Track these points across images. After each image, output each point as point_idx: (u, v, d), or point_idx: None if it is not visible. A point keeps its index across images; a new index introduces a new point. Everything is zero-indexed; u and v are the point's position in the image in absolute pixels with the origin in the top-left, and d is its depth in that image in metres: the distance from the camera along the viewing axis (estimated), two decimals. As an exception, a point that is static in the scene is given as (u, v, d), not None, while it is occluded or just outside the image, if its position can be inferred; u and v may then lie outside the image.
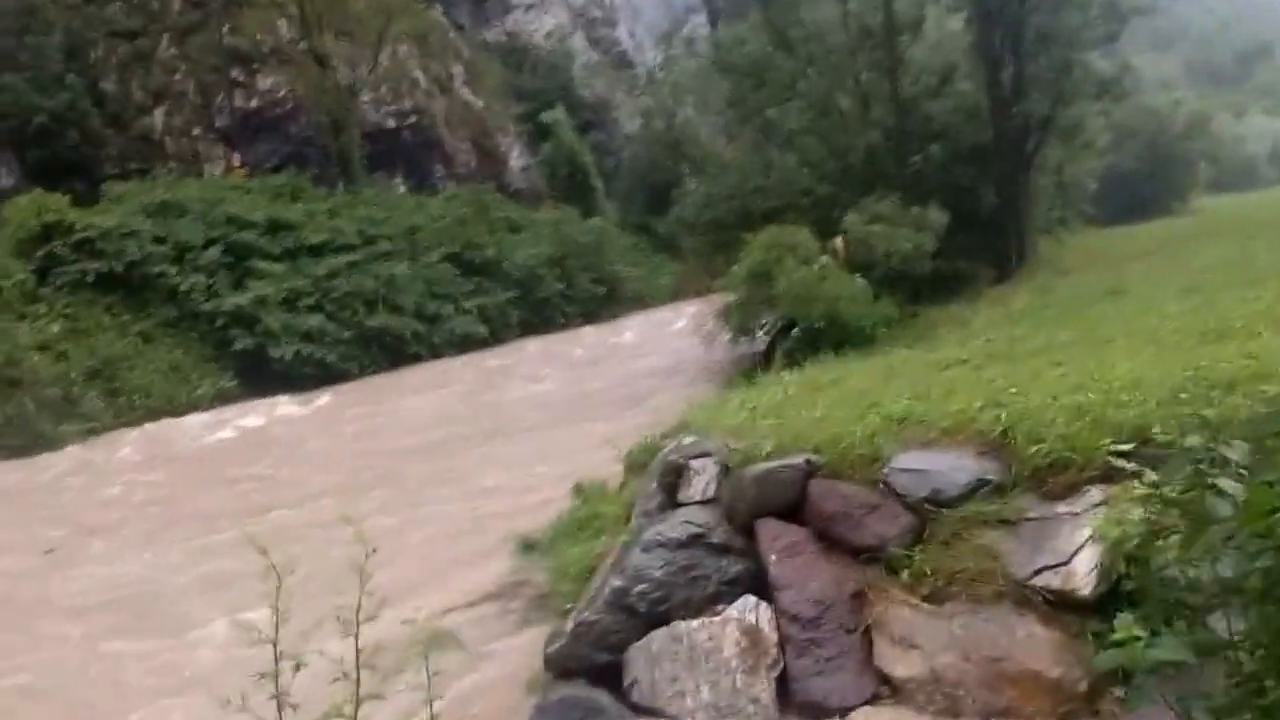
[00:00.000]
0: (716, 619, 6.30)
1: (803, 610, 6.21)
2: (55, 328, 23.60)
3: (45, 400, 21.29)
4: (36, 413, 20.84)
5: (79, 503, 16.42)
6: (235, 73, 32.40)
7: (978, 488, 6.31)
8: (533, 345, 30.64)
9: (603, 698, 6.23)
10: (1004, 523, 6.22)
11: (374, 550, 3.30)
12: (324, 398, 24.53)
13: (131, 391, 23.60)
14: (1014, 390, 7.31)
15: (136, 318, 25.33)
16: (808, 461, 6.79)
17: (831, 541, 6.52)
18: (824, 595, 6.26)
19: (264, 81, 32.59)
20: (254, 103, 31.64)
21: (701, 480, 7.11)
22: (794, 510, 6.72)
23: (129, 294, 25.46)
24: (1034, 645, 5.79)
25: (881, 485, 6.54)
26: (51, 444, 20.59)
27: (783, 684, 6.04)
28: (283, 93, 32.47)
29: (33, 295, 24.13)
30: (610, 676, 6.35)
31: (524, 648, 7.93)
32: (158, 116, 30.84)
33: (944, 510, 6.31)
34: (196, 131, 31.33)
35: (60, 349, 23.18)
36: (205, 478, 17.72)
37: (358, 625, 3.07)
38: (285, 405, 23.70)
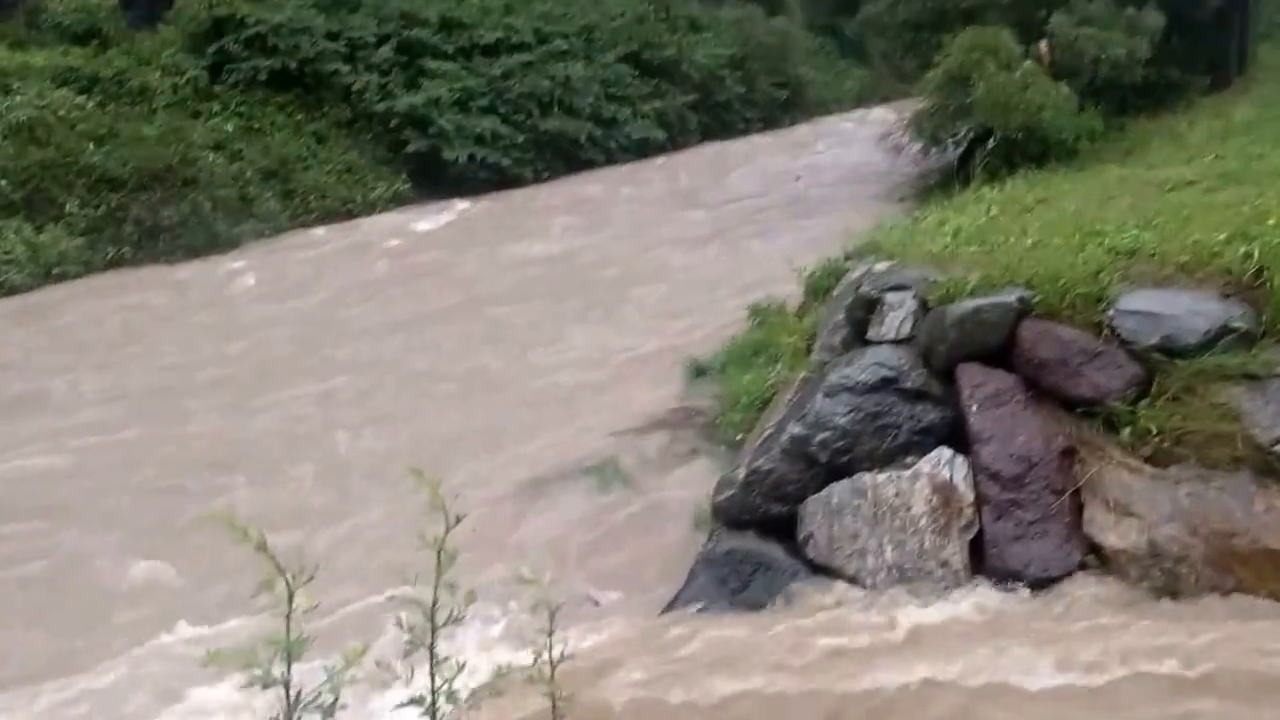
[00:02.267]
0: (906, 472, 5.97)
1: (1005, 467, 5.78)
2: (229, 126, 24.24)
3: (221, 200, 22.01)
4: (212, 212, 21.61)
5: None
6: None
7: (1220, 336, 5.73)
8: (712, 151, 30.19)
9: (775, 551, 6.00)
10: (1249, 378, 5.62)
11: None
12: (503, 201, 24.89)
13: (307, 192, 24.21)
14: (1270, 220, 6.45)
15: (310, 117, 25.77)
16: (1019, 300, 6.23)
17: (1042, 391, 6.02)
18: (1030, 451, 5.81)
19: None
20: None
21: (896, 317, 6.65)
22: (1000, 355, 6.22)
23: (303, 92, 25.84)
24: (1274, 521, 5.23)
25: (1105, 329, 5.95)
26: (228, 244, 21.54)
27: (976, 548, 5.69)
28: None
29: (206, 93, 24.76)
30: (784, 529, 6.10)
31: (690, 480, 7.78)
32: (333, -99, 30.50)
33: (1177, 361, 5.76)
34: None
35: (235, 148, 23.80)
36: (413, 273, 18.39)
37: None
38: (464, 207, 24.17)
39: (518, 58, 28.46)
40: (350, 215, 24.32)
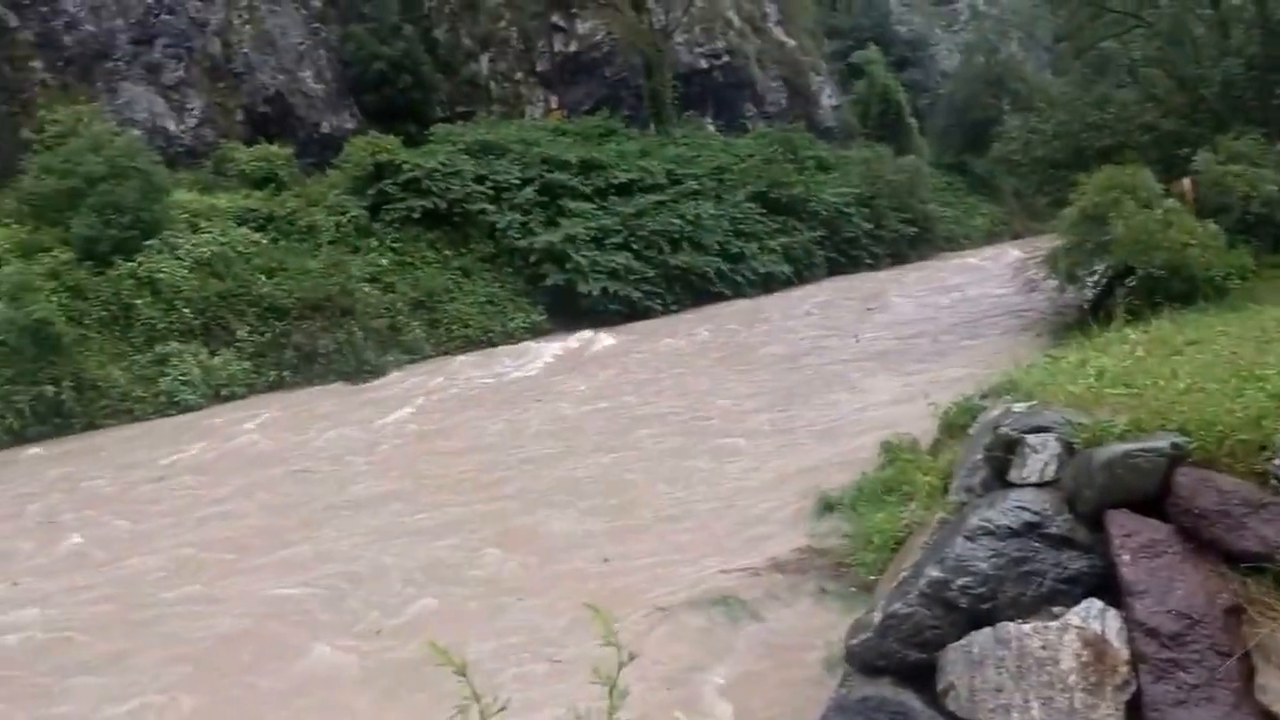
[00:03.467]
0: (1053, 624, 5.28)
1: (1163, 624, 5.08)
2: (384, 261, 25.00)
3: (372, 329, 22.55)
4: (364, 341, 22.12)
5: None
6: (556, 18, 33.15)
7: (1402, 490, 4.97)
8: (838, 286, 29.68)
9: (912, 701, 5.50)
10: None
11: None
12: (627, 335, 24.75)
13: (451, 322, 24.73)
14: None
15: (457, 253, 26.44)
16: (1173, 445, 5.56)
17: (1201, 543, 5.31)
18: (1191, 607, 5.10)
19: (582, 26, 33.14)
20: (572, 47, 32.25)
21: (1039, 459, 6.06)
22: (1152, 502, 5.53)
23: (451, 230, 26.61)
24: None
25: (1271, 479, 5.27)
26: (376, 372, 21.88)
27: (1134, 710, 4.99)
28: (599, 36, 32.92)
29: (365, 230, 25.67)
30: (922, 678, 5.58)
31: (818, 619, 7.28)
32: (483, 62, 32.09)
33: (1355, 515, 5.01)
34: (518, 75, 32.38)
35: (388, 280, 24.51)
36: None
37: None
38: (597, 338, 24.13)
39: (650, 197, 28.88)
40: (490, 344, 24.62)
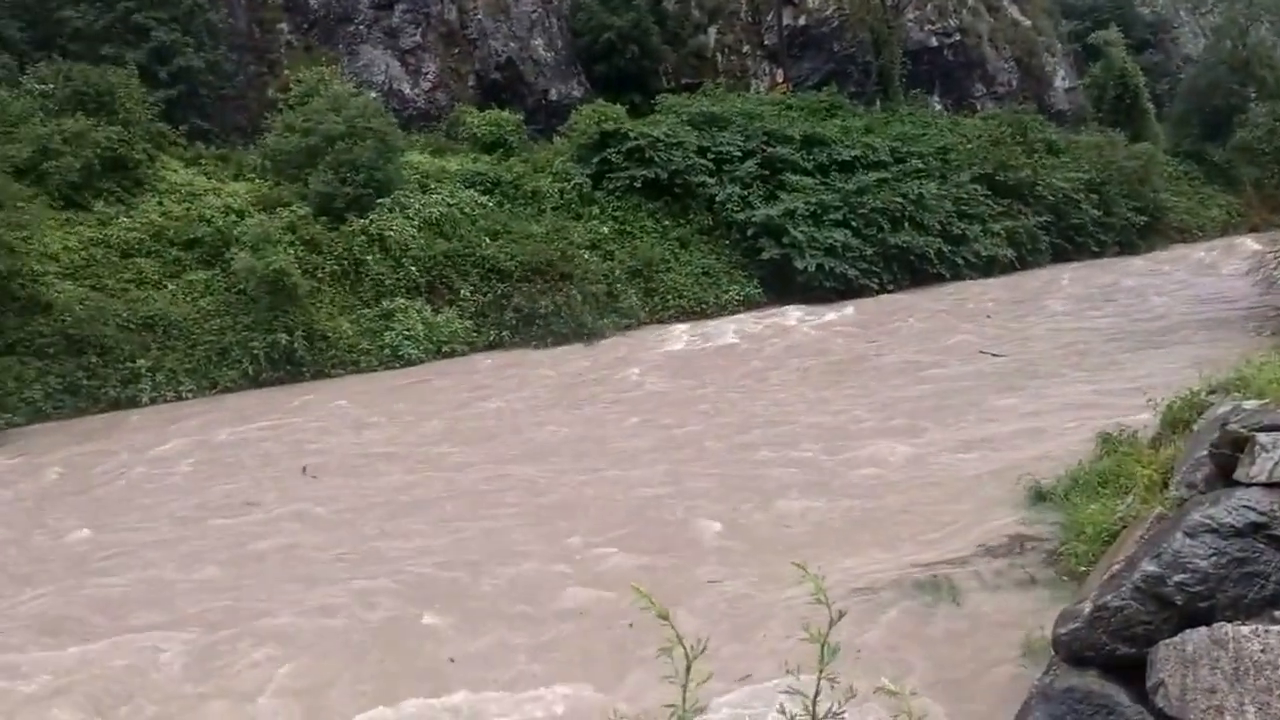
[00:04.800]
0: (1274, 628, 4.86)
1: None
2: (605, 229, 23.49)
3: (590, 295, 21.10)
4: (581, 305, 20.67)
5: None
6: (785, -7, 30.63)
7: None
8: (1064, 273, 26.46)
9: (1120, 696, 5.18)
10: None
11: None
12: (849, 309, 22.55)
13: (666, 291, 22.99)
14: None
15: (676, 223, 24.62)
16: None
17: None
18: None
19: (812, 0, 30.46)
20: (801, 20, 29.71)
21: (1269, 459, 5.48)
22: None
23: (671, 201, 24.78)
24: None
25: None
26: (592, 335, 20.44)
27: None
28: (829, 11, 30.22)
29: (588, 198, 24.20)
30: (1129, 672, 5.24)
31: (1024, 606, 6.90)
32: (711, 34, 30.03)
33: None
34: (745, 49, 30.13)
35: (607, 248, 22.99)
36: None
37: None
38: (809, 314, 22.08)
39: (873, 175, 26.13)
40: (703, 314, 22.77)
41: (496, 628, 7.28)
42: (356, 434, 14.05)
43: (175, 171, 20.82)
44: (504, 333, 20.49)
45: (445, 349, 19.79)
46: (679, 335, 20.96)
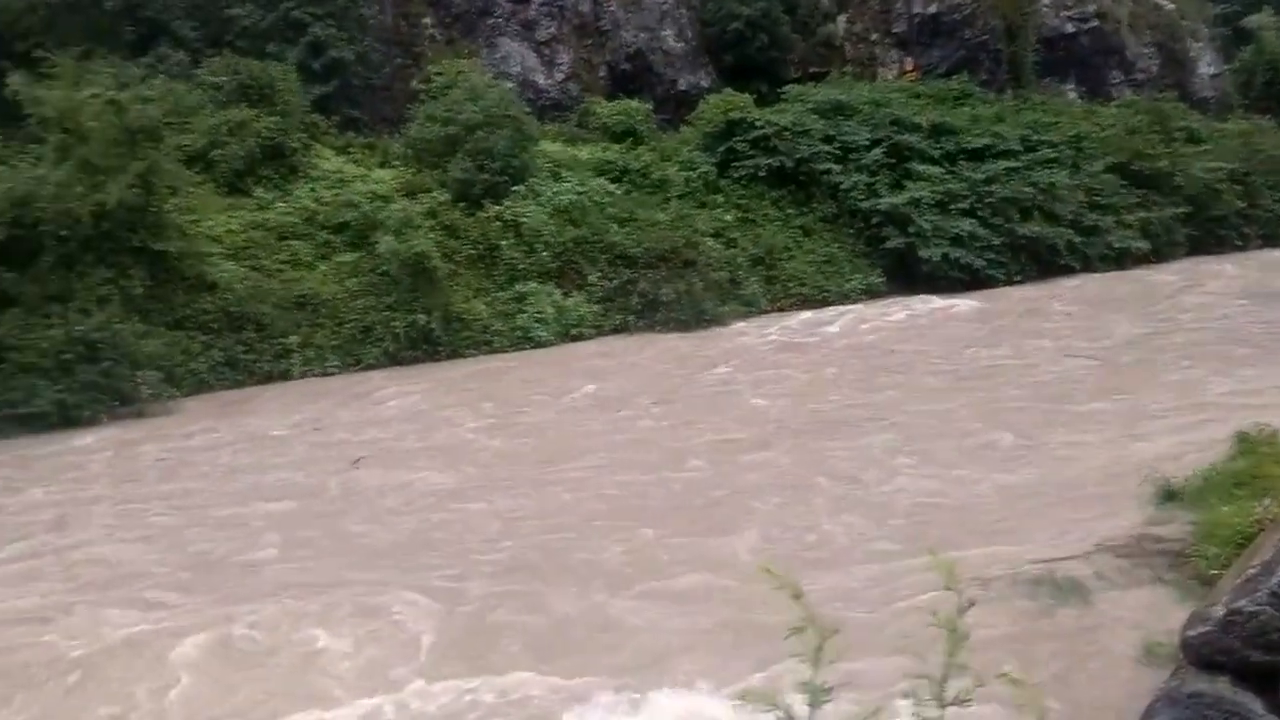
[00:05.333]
0: None
1: None
2: (728, 217, 23.31)
3: (712, 282, 21.04)
4: (704, 292, 20.63)
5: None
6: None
7: None
8: (1203, 266, 24.97)
9: (1252, 704, 4.91)
10: None
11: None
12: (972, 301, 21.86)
13: (787, 280, 22.72)
14: None
15: (799, 212, 24.25)
16: None
17: None
18: None
19: (944, -14, 29.38)
20: (932, 9, 28.64)
21: None
22: None
23: (795, 189, 24.39)
24: None
25: None
26: (713, 322, 20.36)
27: None
28: (962, -2, 29.04)
29: (713, 186, 24.05)
30: (1264, 680, 4.98)
31: (1148, 607, 6.61)
32: (840, 23, 29.27)
33: None
34: (874, 37, 29.26)
35: (730, 236, 22.79)
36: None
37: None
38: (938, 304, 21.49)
39: (1002, 163, 25.09)
40: (825, 303, 22.40)
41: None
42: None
43: (327, 159, 21.65)
44: (629, 317, 20.64)
45: (573, 332, 20.07)
46: (812, 321, 20.67)
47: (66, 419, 14.72)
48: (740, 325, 20.64)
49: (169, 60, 21.61)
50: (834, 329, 20.02)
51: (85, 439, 14.19)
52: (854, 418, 13.00)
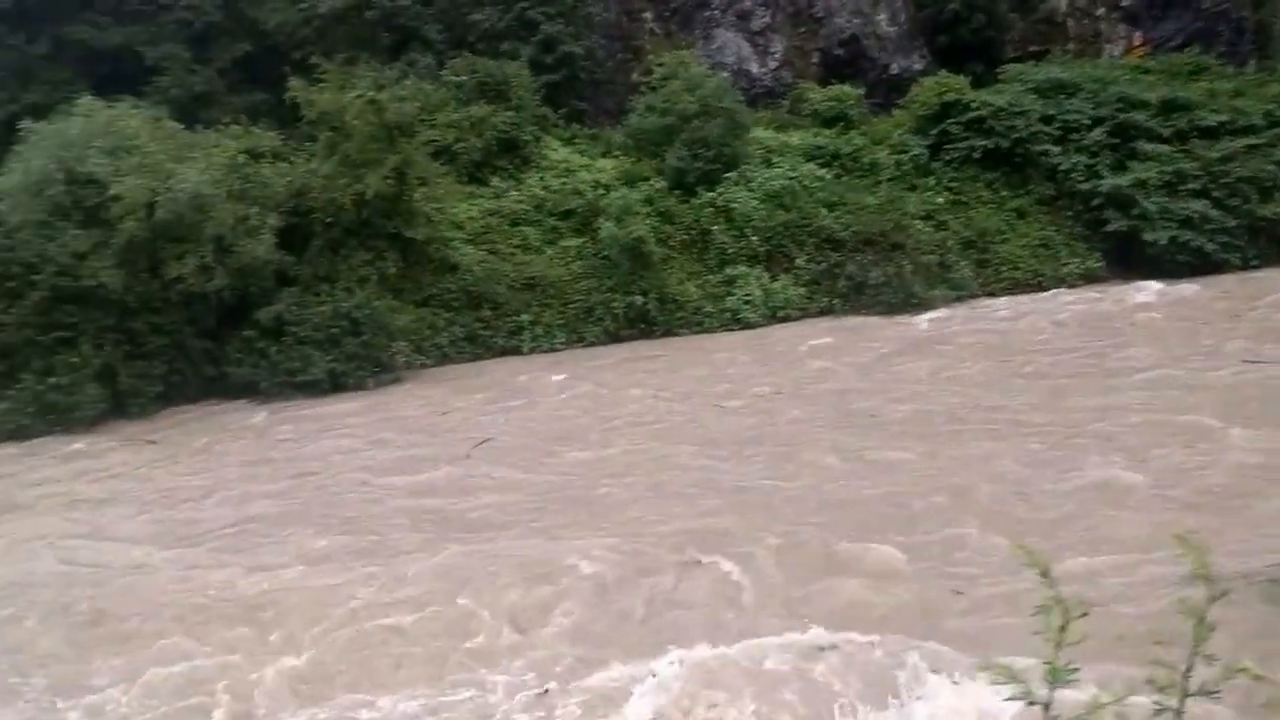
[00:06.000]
0: None
1: None
2: (939, 199, 22.60)
3: (921, 265, 20.51)
4: (912, 275, 20.17)
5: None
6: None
7: None
8: None
9: None
10: None
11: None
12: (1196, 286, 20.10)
13: (999, 263, 21.78)
14: None
15: (1014, 194, 23.15)
16: None
17: None
18: None
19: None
20: (1164, -23, 26.57)
21: None
22: None
23: (1010, 171, 23.28)
24: None
25: None
26: (922, 305, 19.87)
27: None
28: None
29: (925, 169, 23.35)
30: None
31: None
32: (1061, -1, 27.67)
33: None
34: (1099, 11, 27.37)
35: (941, 219, 22.09)
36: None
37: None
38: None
39: (1241, 141, 22.89)
40: (1039, 287, 21.31)
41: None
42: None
43: (555, 150, 22.68)
44: (835, 300, 20.49)
45: (780, 314, 20.16)
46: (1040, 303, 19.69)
47: (336, 385, 16.31)
48: (948, 310, 19.99)
49: (418, 63, 23.28)
50: (1063, 315, 18.78)
51: (356, 402, 15.58)
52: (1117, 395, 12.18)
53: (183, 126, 18.43)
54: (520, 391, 15.40)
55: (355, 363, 16.55)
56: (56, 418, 14.95)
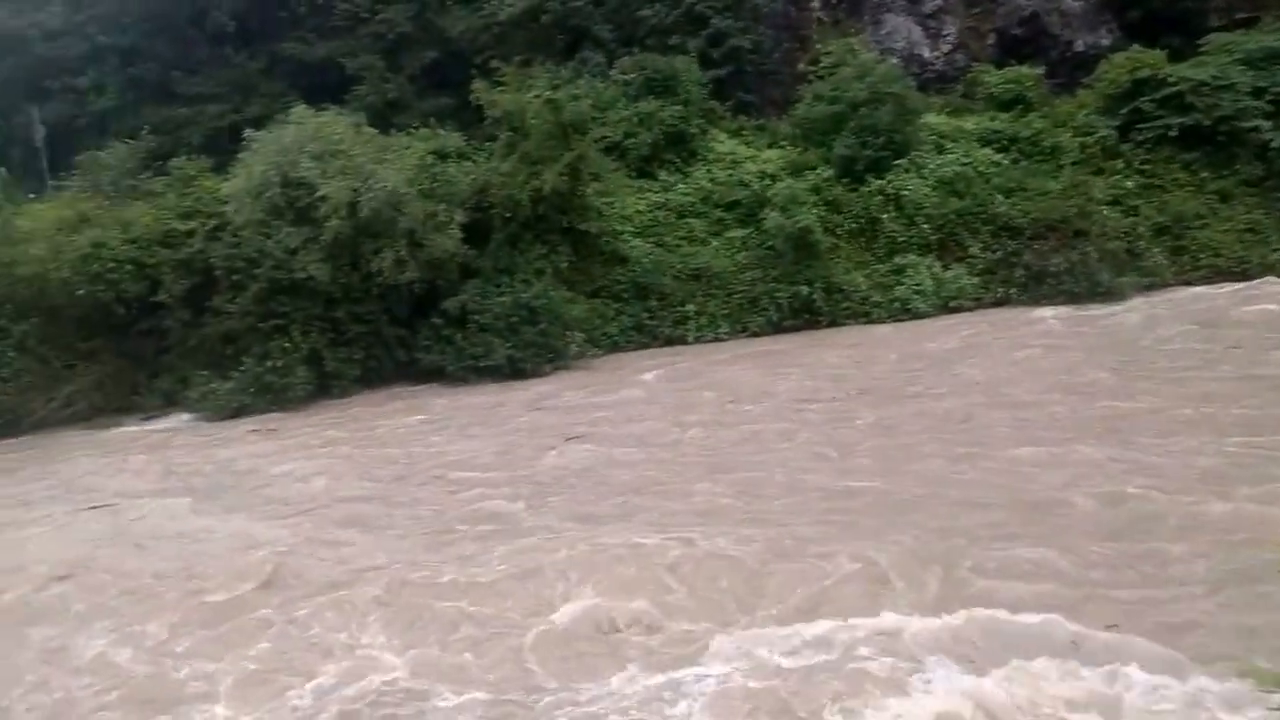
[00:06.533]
0: None
1: None
2: (1129, 183, 21.06)
3: (1108, 252, 19.22)
4: (1098, 263, 18.93)
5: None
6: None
7: None
8: None
9: None
10: None
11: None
12: None
13: (1198, 250, 20.10)
14: None
15: (1215, 175, 21.22)
16: None
17: None
18: None
19: None
20: None
21: None
22: None
23: (1211, 150, 21.32)
24: None
25: None
26: (1110, 295, 18.62)
27: None
28: None
29: (1112, 151, 21.78)
30: None
31: None
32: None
33: None
34: (1318, -28, 24.66)
35: (1131, 204, 20.61)
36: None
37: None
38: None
39: None
40: (1244, 275, 19.48)
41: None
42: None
43: (721, 142, 22.70)
44: (1011, 290, 19.55)
45: (952, 304, 19.45)
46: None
47: (515, 371, 17.05)
48: (1142, 299, 18.63)
49: (590, 62, 23.86)
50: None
51: (542, 386, 16.23)
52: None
53: (377, 131, 19.60)
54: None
55: (532, 350, 17.21)
56: (272, 397, 16.40)
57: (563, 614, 6.95)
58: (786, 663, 6.03)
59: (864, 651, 6.08)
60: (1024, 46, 24.90)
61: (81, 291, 16.96)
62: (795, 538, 8.00)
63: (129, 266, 17.21)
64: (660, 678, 5.98)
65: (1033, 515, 8.18)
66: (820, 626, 6.42)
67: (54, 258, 17.15)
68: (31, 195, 22.09)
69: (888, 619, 6.45)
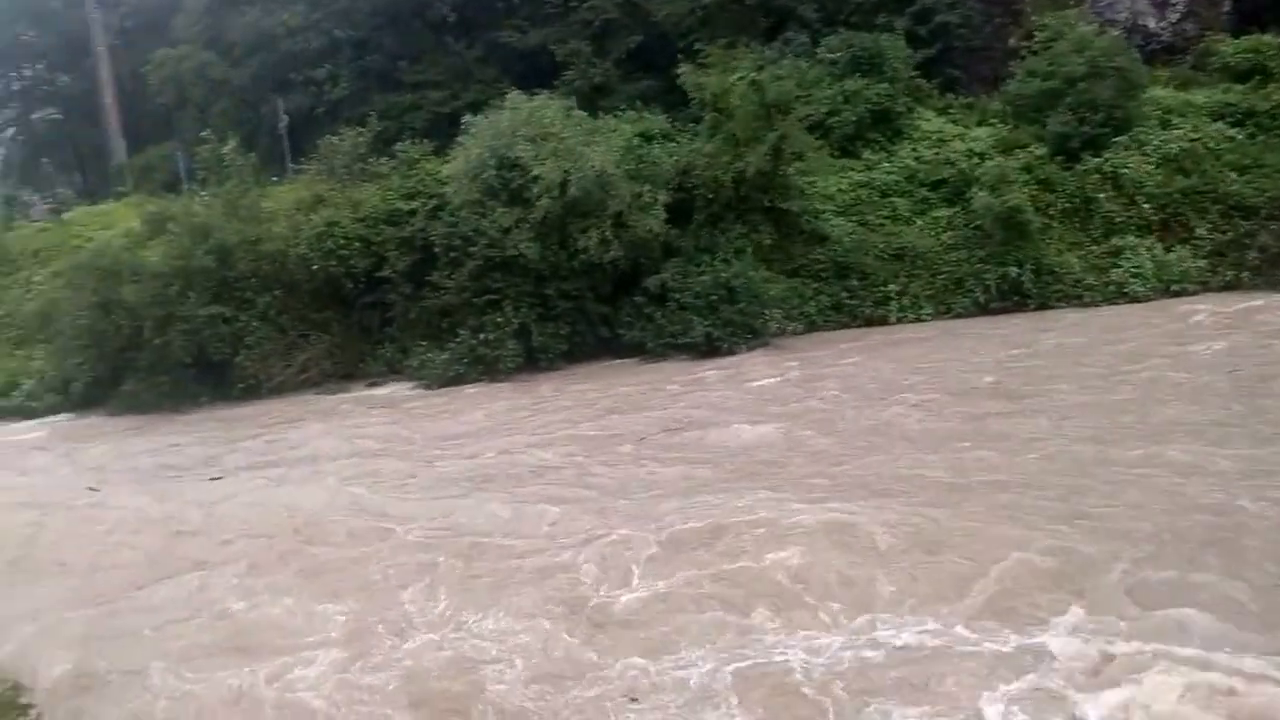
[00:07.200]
0: None
1: None
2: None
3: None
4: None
5: None
6: None
7: None
8: None
9: None
10: None
11: None
12: None
13: None
14: None
15: None
16: None
17: None
18: None
19: None
20: None
21: None
22: None
23: None
24: None
25: None
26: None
27: None
28: None
29: None
30: None
31: None
32: None
33: None
34: None
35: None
36: None
37: None
38: None
39: None
40: None
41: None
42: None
43: (928, 120, 21.97)
44: (1243, 274, 18.04)
45: (1174, 288, 18.16)
46: None
47: (711, 348, 17.24)
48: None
49: (794, 42, 23.59)
50: None
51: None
52: None
53: (586, 115, 20.17)
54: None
55: (730, 328, 17.34)
56: (485, 368, 17.31)
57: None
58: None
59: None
60: (1266, 13, 22.70)
61: (316, 266, 18.33)
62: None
63: (357, 244, 18.47)
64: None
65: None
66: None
67: (293, 235, 18.65)
68: (275, 179, 24.15)
69: None
